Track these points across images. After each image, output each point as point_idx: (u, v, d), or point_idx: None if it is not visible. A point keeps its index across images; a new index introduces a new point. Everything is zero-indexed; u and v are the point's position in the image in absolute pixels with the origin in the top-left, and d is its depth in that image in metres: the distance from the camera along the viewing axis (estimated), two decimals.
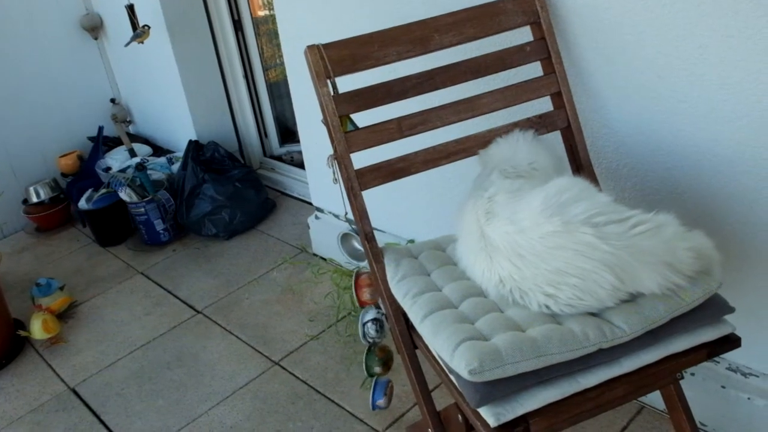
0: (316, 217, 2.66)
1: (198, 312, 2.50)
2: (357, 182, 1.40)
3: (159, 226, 2.96)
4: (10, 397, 2.23)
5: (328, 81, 1.38)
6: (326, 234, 2.59)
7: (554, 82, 1.49)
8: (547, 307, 1.12)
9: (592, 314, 1.13)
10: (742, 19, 1.22)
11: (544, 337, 1.07)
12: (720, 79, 1.30)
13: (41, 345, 2.46)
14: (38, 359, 2.41)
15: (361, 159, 1.41)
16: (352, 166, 1.39)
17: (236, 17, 3.04)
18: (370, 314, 1.53)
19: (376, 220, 2.37)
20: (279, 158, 3.40)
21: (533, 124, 1.49)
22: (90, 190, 3.09)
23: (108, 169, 3.14)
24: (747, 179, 1.35)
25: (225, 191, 2.92)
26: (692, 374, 1.61)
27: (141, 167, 2.87)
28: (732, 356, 1.54)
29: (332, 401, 1.96)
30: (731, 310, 1.16)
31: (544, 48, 1.49)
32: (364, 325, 1.53)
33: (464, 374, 1.03)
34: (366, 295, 1.53)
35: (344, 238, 1.47)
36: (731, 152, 1.35)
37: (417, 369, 1.38)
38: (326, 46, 1.38)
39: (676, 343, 1.14)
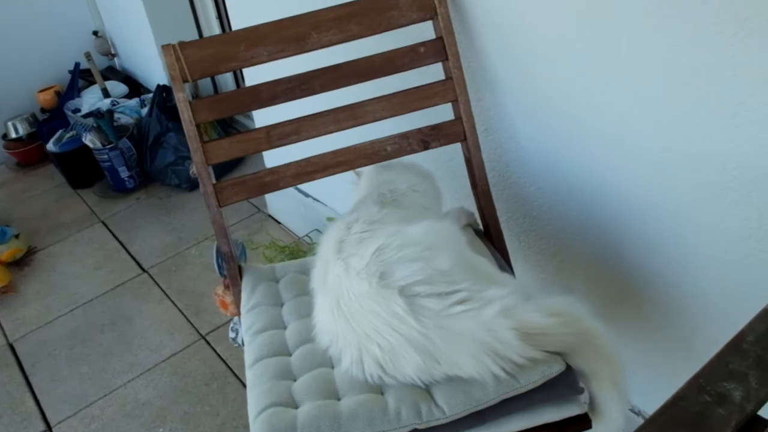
0: None
1: (144, 271, 2.48)
2: (215, 198, 1.28)
3: (124, 173, 2.90)
4: None
5: (186, 85, 1.24)
6: (283, 198, 2.49)
7: (451, 88, 1.31)
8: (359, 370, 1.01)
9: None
10: (652, 50, 1.02)
11: (350, 413, 0.97)
12: (623, 110, 1.11)
13: None
14: None
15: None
16: (209, 180, 1.28)
17: None
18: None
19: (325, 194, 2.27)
20: None
21: (425, 136, 1.33)
22: (60, 131, 3.04)
23: (76, 110, 3.07)
24: (652, 213, 1.18)
25: None
26: None
27: (101, 115, 2.79)
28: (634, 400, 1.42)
29: (244, 386, 1.92)
30: (580, 391, 1.02)
31: (441, 49, 1.29)
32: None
33: None
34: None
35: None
36: (632, 186, 1.17)
37: None
38: (184, 45, 1.24)
39: (511, 424, 1.02)
